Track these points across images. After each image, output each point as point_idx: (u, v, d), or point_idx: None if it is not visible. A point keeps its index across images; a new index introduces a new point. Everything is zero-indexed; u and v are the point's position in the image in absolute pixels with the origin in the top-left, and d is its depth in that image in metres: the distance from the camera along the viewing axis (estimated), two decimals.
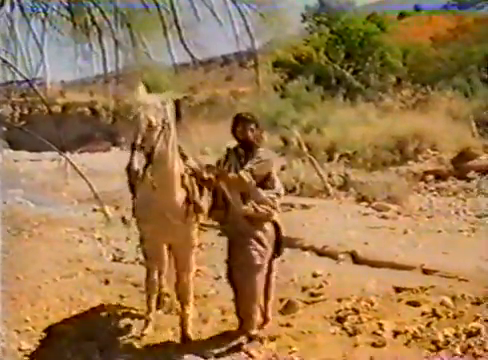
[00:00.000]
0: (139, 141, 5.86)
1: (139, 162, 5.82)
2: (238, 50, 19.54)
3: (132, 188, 7.08)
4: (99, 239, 12.96)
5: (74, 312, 8.31)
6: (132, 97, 6.26)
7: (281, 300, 8.15)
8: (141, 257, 11.11)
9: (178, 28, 14.05)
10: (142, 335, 7.25)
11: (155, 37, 14.93)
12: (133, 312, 8.19)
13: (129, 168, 5.80)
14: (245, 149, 6.86)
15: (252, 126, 6.82)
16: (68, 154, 19.23)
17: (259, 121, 6.96)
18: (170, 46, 14.36)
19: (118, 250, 11.83)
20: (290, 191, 16.59)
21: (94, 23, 14.00)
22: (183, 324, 7.19)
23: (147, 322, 7.44)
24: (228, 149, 7.04)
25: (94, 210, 15.95)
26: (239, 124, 6.83)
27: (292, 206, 14.70)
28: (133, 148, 5.85)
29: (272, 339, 7.05)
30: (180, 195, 6.67)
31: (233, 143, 7.07)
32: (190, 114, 32.70)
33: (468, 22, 39.98)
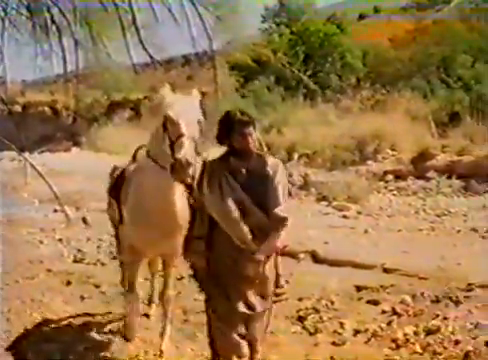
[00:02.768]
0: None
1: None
2: (197, 50, 19.53)
3: (117, 193, 6.59)
4: (60, 240, 12.87)
5: (35, 314, 8.24)
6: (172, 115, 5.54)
7: None
8: (102, 258, 11.14)
9: (136, 28, 14.02)
10: None
11: (115, 37, 14.88)
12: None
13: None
14: (240, 159, 5.31)
15: (251, 129, 5.25)
16: (27, 154, 19.09)
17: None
18: (129, 46, 14.32)
19: (79, 251, 11.77)
20: None
21: (54, 22, 13.92)
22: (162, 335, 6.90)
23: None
24: (211, 162, 5.46)
25: (55, 211, 15.81)
26: (235, 129, 5.21)
27: None
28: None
29: None
30: (180, 203, 6.03)
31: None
32: (150, 114, 32.50)
33: (427, 24, 40.43)
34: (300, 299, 8.37)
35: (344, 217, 14.13)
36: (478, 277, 8.73)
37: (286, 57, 34.72)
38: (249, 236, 5.19)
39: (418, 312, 7.61)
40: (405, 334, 6.91)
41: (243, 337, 5.46)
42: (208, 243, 5.38)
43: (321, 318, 7.64)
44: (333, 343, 6.92)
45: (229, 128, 5.22)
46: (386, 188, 18.37)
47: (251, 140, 5.21)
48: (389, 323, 7.34)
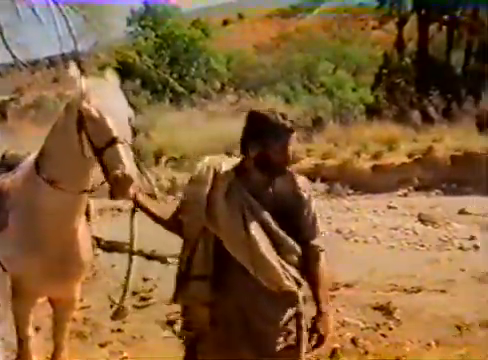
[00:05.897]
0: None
1: None
2: (63, 52, 19.21)
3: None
4: None
5: None
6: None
7: (111, 306, 8.05)
8: None
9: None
10: None
11: None
12: None
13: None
14: (266, 175, 3.92)
15: (293, 139, 3.86)
16: None
17: None
18: None
19: None
20: None
21: None
22: None
23: None
24: (225, 175, 3.99)
25: None
26: (279, 137, 3.83)
27: (120, 210, 14.58)
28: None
29: (103, 345, 6.96)
30: (83, 235, 4.83)
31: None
32: (17, 116, 31.64)
33: (290, 31, 41.34)
34: (169, 303, 8.31)
35: None
36: (343, 277, 9.04)
37: (152, 60, 34.68)
38: (284, 277, 3.86)
39: None
40: None
41: None
42: (215, 286, 3.95)
43: None
44: None
45: (269, 135, 3.84)
46: None
47: (291, 153, 3.86)
48: None
